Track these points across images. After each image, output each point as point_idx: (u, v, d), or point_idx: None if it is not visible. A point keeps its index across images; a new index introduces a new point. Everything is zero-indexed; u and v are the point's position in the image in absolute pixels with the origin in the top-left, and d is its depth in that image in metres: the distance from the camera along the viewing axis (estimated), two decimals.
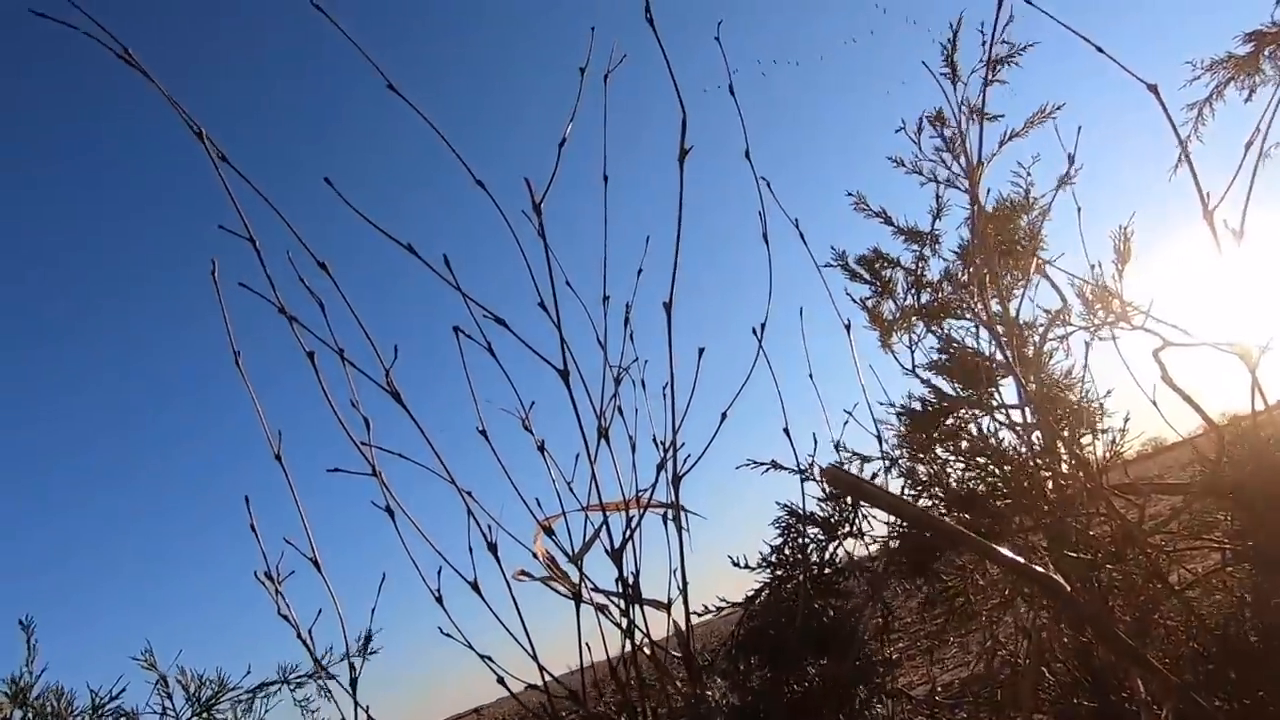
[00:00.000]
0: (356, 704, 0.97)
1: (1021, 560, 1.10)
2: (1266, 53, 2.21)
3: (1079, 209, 1.56)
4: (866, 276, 2.08)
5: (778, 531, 1.65)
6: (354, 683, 0.97)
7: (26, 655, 1.88)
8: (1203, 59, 2.32)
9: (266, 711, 1.88)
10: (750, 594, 1.53)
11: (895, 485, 1.92)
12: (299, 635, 0.96)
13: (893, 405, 2.11)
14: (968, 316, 2.02)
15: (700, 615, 1.27)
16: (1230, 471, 1.42)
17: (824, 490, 1.56)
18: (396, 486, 0.99)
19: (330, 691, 1.84)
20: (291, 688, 1.74)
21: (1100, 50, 1.46)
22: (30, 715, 1.76)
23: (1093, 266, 1.74)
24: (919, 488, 1.87)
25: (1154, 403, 1.47)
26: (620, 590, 1.08)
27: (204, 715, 1.76)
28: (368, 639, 0.98)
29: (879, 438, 1.56)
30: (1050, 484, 1.71)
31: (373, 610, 0.99)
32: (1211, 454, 1.54)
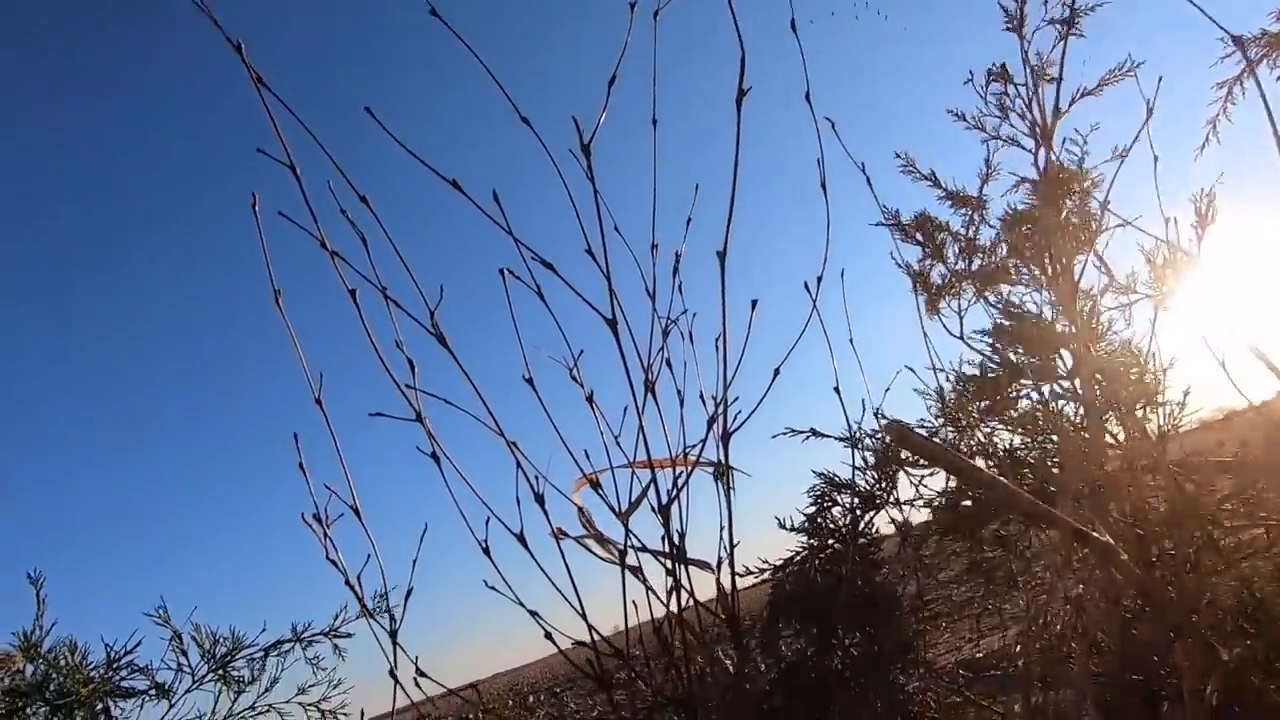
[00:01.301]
0: (396, 650, 1.00)
1: (1079, 524, 1.12)
2: None
3: (1155, 158, 1.53)
4: (919, 238, 2.07)
5: (810, 500, 1.68)
6: (394, 634, 1.00)
7: (37, 609, 1.94)
8: (1244, 34, 2.26)
9: (282, 671, 1.94)
10: (784, 559, 1.56)
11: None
12: (347, 581, 0.98)
13: (940, 370, 2.12)
14: (1024, 283, 2.01)
15: (742, 577, 1.29)
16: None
17: (864, 460, 1.57)
18: (439, 434, 1.00)
19: (342, 650, 1.91)
20: (305, 646, 1.79)
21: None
22: (42, 667, 1.82)
23: (1168, 221, 1.71)
24: (965, 453, 1.89)
25: (1223, 364, 1.46)
26: (667, 549, 1.10)
27: (219, 672, 1.82)
28: (409, 592, 1.01)
29: (941, 396, 1.56)
30: (1104, 455, 1.72)
31: (414, 561, 1.02)
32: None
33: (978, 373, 1.73)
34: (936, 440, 1.48)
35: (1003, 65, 2.00)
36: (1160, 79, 1.69)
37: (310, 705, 1.86)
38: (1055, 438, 1.92)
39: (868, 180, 1.33)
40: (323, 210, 0.97)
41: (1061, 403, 2.00)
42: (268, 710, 1.88)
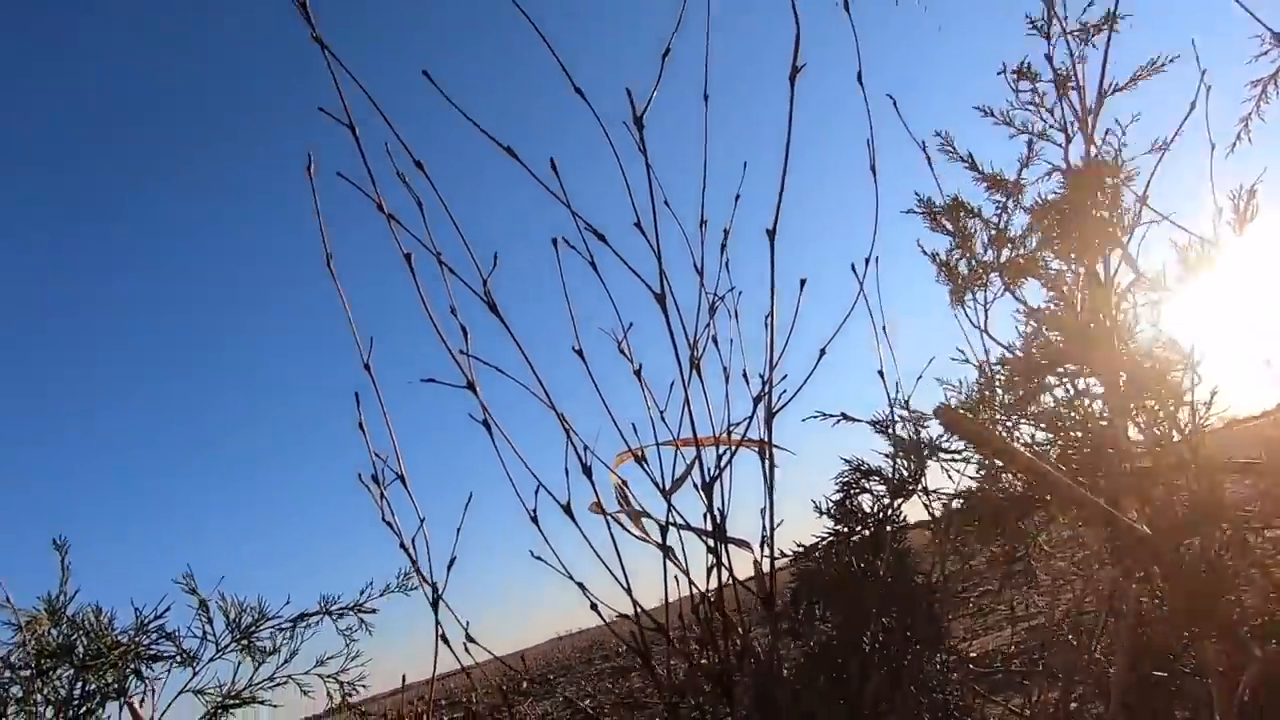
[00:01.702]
0: (438, 619, 0.99)
1: (1116, 514, 1.10)
2: None
3: (1213, 146, 1.51)
4: (949, 227, 2.05)
5: (837, 487, 1.66)
6: (435, 602, 0.99)
7: (61, 575, 1.94)
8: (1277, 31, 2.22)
9: (302, 642, 1.94)
10: (817, 541, 1.55)
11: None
12: (401, 545, 0.97)
13: (965, 362, 2.10)
14: (1051, 280, 1.99)
15: (780, 558, 1.28)
16: None
17: (894, 446, 1.56)
18: (488, 403, 0.99)
19: (369, 625, 1.90)
20: (335, 618, 1.79)
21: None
22: (67, 630, 1.82)
23: (1213, 214, 1.69)
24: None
25: (1268, 362, 1.45)
26: (709, 527, 1.09)
27: (243, 642, 1.81)
28: (452, 560, 1.00)
29: (990, 376, 1.54)
30: (1132, 451, 1.71)
31: (458, 530, 1.01)
32: None
33: (1007, 363, 1.71)
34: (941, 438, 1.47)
35: (1043, 56, 1.96)
36: (1205, 71, 1.66)
37: (329, 677, 1.86)
38: (1078, 433, 1.91)
39: (928, 160, 1.31)
40: (379, 173, 0.95)
41: (1088, 400, 1.99)
42: (286, 681, 1.87)
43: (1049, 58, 2.03)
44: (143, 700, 1.64)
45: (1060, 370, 1.63)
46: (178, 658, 1.71)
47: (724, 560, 1.10)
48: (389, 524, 0.96)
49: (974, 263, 2.07)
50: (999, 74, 2.02)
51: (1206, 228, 1.71)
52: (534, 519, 0.98)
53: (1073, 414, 1.71)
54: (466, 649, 0.97)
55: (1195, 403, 1.82)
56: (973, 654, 2.91)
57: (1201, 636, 1.37)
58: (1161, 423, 1.73)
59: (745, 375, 1.16)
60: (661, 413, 1.08)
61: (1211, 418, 1.82)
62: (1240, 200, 1.61)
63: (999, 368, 1.74)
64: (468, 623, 0.97)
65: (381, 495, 0.95)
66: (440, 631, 0.96)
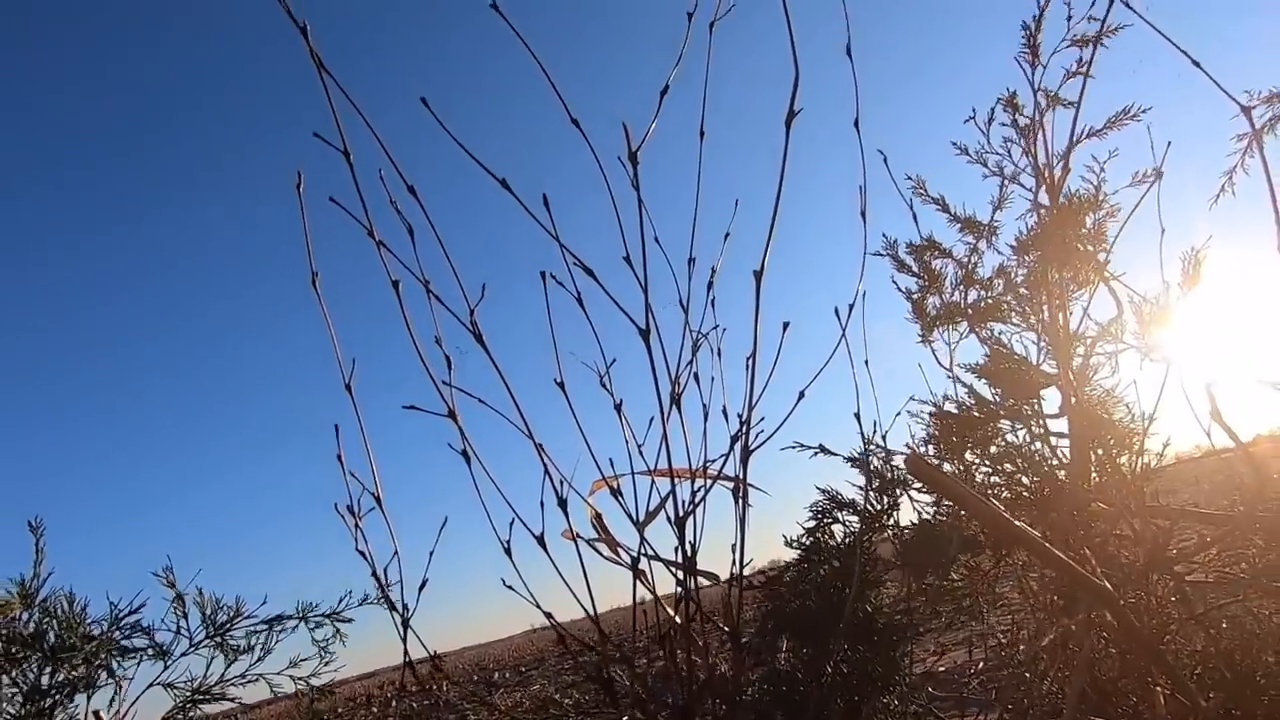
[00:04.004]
0: (406, 638, 0.93)
1: (1074, 564, 1.07)
2: None
3: (1163, 230, 1.51)
4: (914, 269, 2.02)
5: (810, 515, 1.62)
6: (406, 623, 0.94)
7: (35, 557, 1.83)
8: (1260, 90, 2.24)
9: (276, 643, 1.85)
10: (781, 568, 1.50)
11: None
12: (373, 573, 0.91)
13: (924, 402, 2.08)
14: (1014, 321, 1.98)
15: (747, 590, 1.23)
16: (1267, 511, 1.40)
17: (868, 480, 1.52)
18: (472, 431, 0.93)
19: (343, 634, 1.82)
20: (311, 626, 1.71)
21: (1196, 64, 1.38)
22: (38, 615, 1.72)
23: (1157, 292, 1.69)
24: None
25: (1208, 434, 1.43)
26: (680, 559, 1.04)
27: (217, 639, 1.73)
28: (423, 583, 0.94)
29: (926, 442, 1.51)
30: (1082, 498, 1.69)
31: (430, 553, 0.95)
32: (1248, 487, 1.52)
33: (957, 409, 1.69)
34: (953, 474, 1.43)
35: (1012, 93, 1.93)
36: (1170, 144, 1.66)
37: (301, 679, 1.78)
38: (1026, 480, 1.89)
39: (913, 214, 1.27)
40: (371, 200, 0.90)
41: (1039, 445, 1.97)
42: (258, 680, 1.79)
43: (1014, 123, 2.01)
44: (112, 700, 1.55)
45: (999, 423, 1.61)
46: (150, 650, 1.62)
47: (693, 595, 1.05)
48: (362, 553, 0.90)
49: (943, 302, 2.05)
50: (967, 120, 2.00)
51: (1162, 284, 1.70)
52: (507, 551, 0.92)
53: (1020, 460, 1.69)
54: (432, 677, 0.91)
55: (1149, 452, 1.81)
56: (942, 668, 2.89)
57: (1152, 683, 1.35)
58: (1113, 469, 1.71)
59: (725, 412, 1.12)
60: (640, 447, 1.04)
61: (1162, 459, 1.81)
62: (1189, 263, 1.61)
63: (953, 412, 1.71)
64: (435, 653, 0.91)
65: (356, 525, 0.89)
66: (408, 658, 0.90)
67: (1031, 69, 1.97)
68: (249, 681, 1.80)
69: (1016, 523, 0.99)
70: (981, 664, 2.60)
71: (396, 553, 0.89)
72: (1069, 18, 1.88)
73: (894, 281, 2.27)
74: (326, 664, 1.71)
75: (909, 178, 2.20)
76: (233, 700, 1.69)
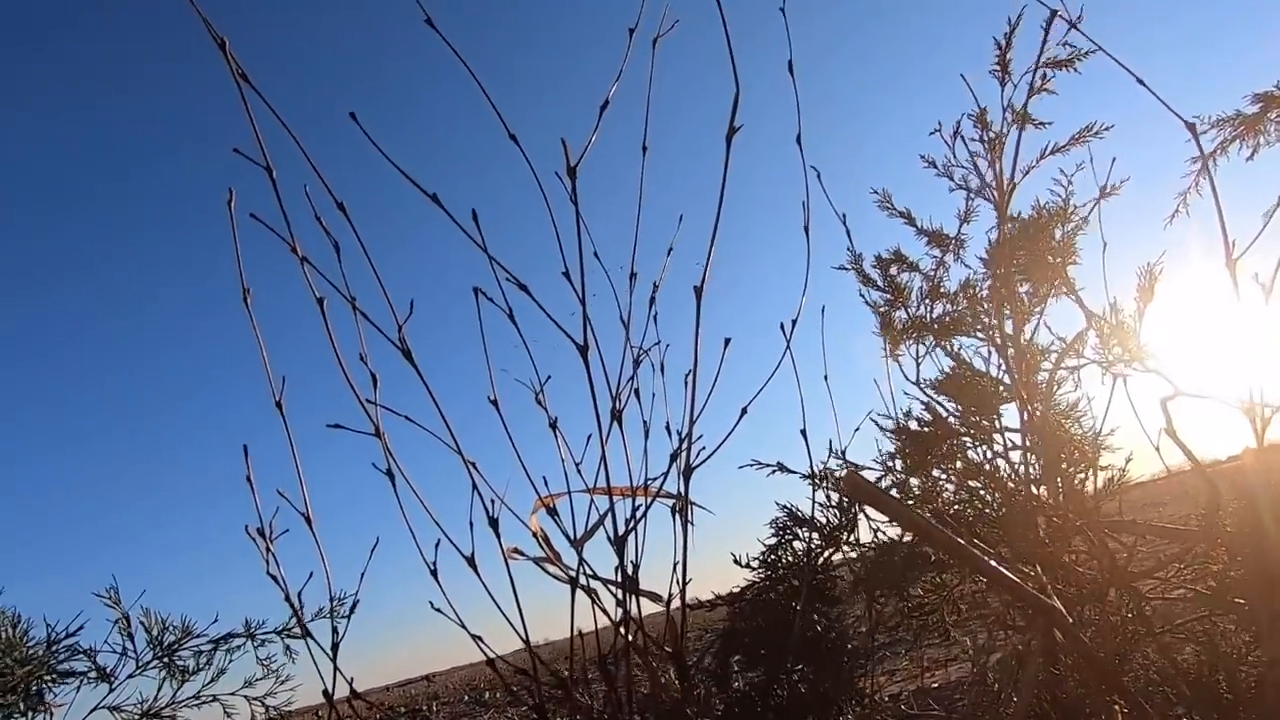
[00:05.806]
0: (336, 668, 0.90)
1: (1021, 582, 1.06)
2: (1273, 115, 2.17)
3: (1104, 245, 1.52)
4: (880, 283, 2.03)
5: (772, 532, 1.61)
6: (335, 646, 0.91)
7: None
8: (1210, 115, 2.29)
9: (229, 663, 1.81)
10: (737, 590, 1.48)
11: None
12: (287, 598, 0.89)
13: (889, 418, 2.07)
14: (979, 335, 1.98)
15: (694, 609, 1.22)
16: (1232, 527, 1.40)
17: (828, 497, 1.51)
18: (398, 451, 0.92)
19: (294, 651, 1.78)
20: (256, 644, 1.67)
21: (1141, 82, 1.40)
22: None
23: (1111, 304, 1.70)
24: (911, 503, 1.84)
25: (1157, 449, 1.43)
26: (619, 579, 1.02)
27: (165, 660, 1.68)
28: (354, 604, 0.92)
29: (892, 457, 1.51)
30: (1041, 515, 1.68)
31: (362, 574, 0.93)
32: (1205, 504, 1.52)
33: (917, 425, 1.68)
34: (893, 493, 1.43)
35: (982, 110, 1.94)
36: (1114, 159, 1.68)
37: (255, 699, 1.74)
38: (988, 496, 1.88)
39: (847, 232, 1.28)
40: (296, 216, 0.89)
41: (1000, 461, 1.97)
42: (212, 701, 1.75)
43: (1007, 106, 2.02)
44: None
45: (958, 440, 1.61)
46: (92, 673, 1.58)
47: (634, 615, 1.03)
48: (274, 577, 0.88)
49: (909, 316, 2.06)
50: (933, 133, 2.02)
51: (1111, 300, 1.71)
52: (433, 573, 0.91)
53: (982, 477, 1.69)
54: (351, 705, 0.88)
55: (1110, 468, 1.81)
56: (935, 684, 2.85)
57: (1107, 702, 1.34)
58: (1070, 487, 1.71)
59: (668, 429, 1.11)
60: (578, 464, 1.02)
61: (1125, 476, 1.81)
62: (1145, 280, 1.63)
63: (914, 429, 1.71)
64: (352, 678, 0.88)
65: (268, 549, 0.87)
66: (331, 686, 0.87)
67: (1001, 85, 2.00)
68: (203, 703, 1.76)
69: (959, 540, 0.98)
70: (959, 681, 2.58)
71: (324, 574, 0.87)
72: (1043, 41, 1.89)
73: (861, 295, 2.27)
74: (282, 683, 1.67)
75: (874, 191, 2.21)
76: None
